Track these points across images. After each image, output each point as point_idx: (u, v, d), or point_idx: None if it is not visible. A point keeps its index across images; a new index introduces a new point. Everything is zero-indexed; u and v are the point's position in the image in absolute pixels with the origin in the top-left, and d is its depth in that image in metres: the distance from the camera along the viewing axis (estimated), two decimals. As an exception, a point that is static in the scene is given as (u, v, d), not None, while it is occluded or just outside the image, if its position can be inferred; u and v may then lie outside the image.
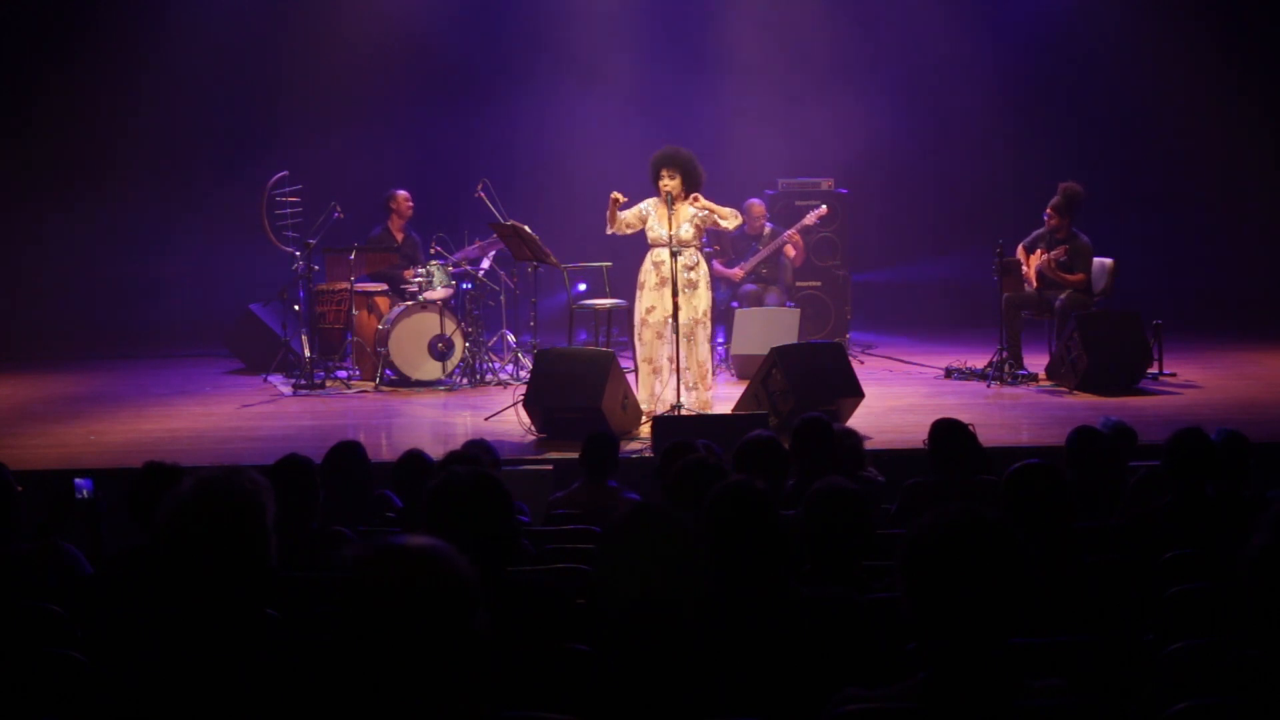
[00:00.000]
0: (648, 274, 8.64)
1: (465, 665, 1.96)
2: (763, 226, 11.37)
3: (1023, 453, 6.40)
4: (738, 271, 11.26)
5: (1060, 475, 3.82)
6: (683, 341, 8.41)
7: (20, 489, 4.56)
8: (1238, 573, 2.44)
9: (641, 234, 8.68)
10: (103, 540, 5.01)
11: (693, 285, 8.53)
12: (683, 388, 8.34)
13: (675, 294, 8.30)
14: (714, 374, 9.02)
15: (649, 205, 8.61)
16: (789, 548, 3.13)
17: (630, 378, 8.66)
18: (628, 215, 8.61)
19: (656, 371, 8.58)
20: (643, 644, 2.67)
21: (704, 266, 8.75)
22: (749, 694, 2.76)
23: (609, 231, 8.68)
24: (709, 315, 8.76)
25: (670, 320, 8.38)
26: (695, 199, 8.48)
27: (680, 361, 8.34)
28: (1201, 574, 3.82)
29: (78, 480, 4.97)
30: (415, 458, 5.44)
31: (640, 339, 8.66)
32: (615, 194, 8.49)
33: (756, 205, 11.50)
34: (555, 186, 12.79)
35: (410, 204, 11.23)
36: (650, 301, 8.60)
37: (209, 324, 12.41)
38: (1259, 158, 13.15)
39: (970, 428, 5.55)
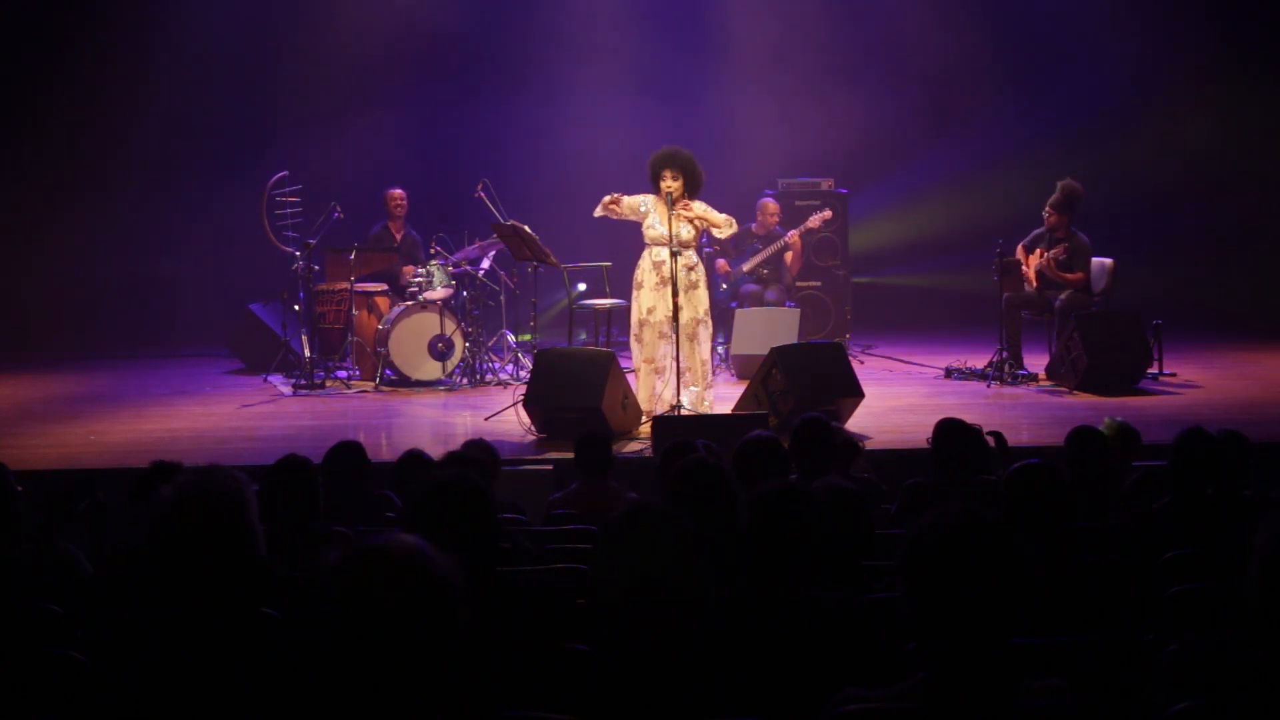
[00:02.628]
0: (646, 274, 8.61)
1: (452, 663, 1.97)
2: (774, 227, 11.36)
3: (1023, 453, 6.39)
4: (741, 268, 11.27)
5: (1060, 475, 3.81)
6: (685, 341, 8.40)
7: (20, 489, 4.56)
8: (1247, 571, 2.42)
9: (639, 233, 8.66)
10: (103, 540, 5.00)
11: (693, 285, 8.52)
12: (683, 387, 8.33)
13: (676, 294, 8.29)
14: (714, 374, 9.00)
15: (649, 202, 8.58)
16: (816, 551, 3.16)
17: (630, 378, 8.65)
18: (626, 204, 8.57)
19: (659, 372, 8.55)
20: (643, 643, 2.67)
21: (703, 266, 8.74)
22: (749, 694, 2.76)
23: (596, 214, 8.62)
24: (709, 314, 8.75)
25: (671, 320, 8.37)
26: (687, 206, 8.45)
27: (681, 361, 8.33)
28: (1201, 574, 3.82)
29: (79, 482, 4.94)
30: (415, 457, 5.43)
31: (640, 339, 8.64)
32: (612, 195, 8.50)
33: (771, 204, 11.49)
34: (556, 186, 12.78)
35: (401, 204, 11.22)
36: (651, 302, 8.57)
37: (209, 324, 12.42)
38: (1260, 156, 13.15)
39: (996, 434, 5.57)
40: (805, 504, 3.16)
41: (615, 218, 8.60)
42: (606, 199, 8.52)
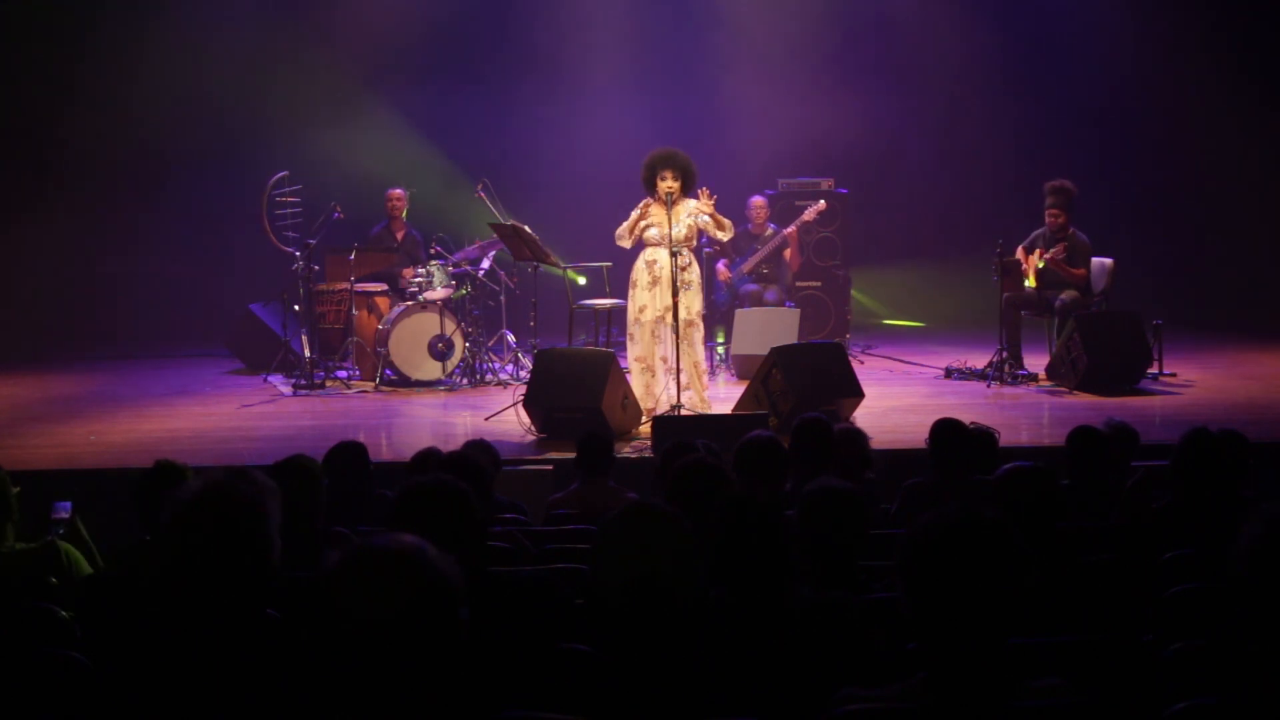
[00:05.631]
0: (640, 273, 8.63)
1: (452, 663, 1.97)
2: (765, 225, 11.35)
3: (1023, 453, 6.40)
4: (743, 267, 11.26)
5: (1050, 477, 3.80)
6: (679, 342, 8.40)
7: (19, 489, 4.55)
8: (1233, 570, 2.42)
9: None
10: (102, 540, 5.00)
11: (687, 285, 8.51)
12: (680, 388, 8.33)
13: (675, 294, 8.30)
14: (710, 374, 8.98)
15: (641, 208, 8.61)
16: (790, 556, 3.15)
17: (628, 378, 8.65)
18: (636, 222, 8.59)
19: (649, 370, 8.57)
20: (642, 643, 2.67)
21: (696, 267, 8.74)
22: (749, 694, 2.76)
23: (627, 244, 8.68)
24: (702, 316, 8.75)
25: (668, 319, 8.37)
26: (705, 197, 8.47)
27: (677, 362, 8.33)
28: (1201, 574, 3.81)
29: (57, 503, 4.91)
30: (431, 456, 5.41)
31: (633, 338, 8.66)
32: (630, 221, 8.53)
33: (758, 200, 11.47)
34: (556, 185, 12.79)
35: (398, 203, 11.20)
36: (643, 301, 8.59)
37: (209, 324, 12.42)
38: (1260, 156, 13.14)
39: (995, 432, 5.57)
40: (772, 511, 3.16)
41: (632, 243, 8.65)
42: (625, 229, 8.56)
